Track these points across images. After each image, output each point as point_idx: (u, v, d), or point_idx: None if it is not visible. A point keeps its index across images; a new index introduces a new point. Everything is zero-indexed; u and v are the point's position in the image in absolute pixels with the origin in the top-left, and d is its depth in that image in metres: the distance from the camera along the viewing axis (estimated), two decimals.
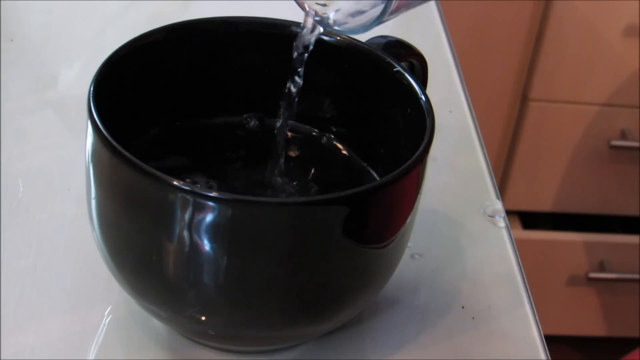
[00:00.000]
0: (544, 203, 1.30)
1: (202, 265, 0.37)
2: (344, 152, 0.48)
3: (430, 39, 0.71)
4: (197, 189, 0.36)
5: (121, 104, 0.45)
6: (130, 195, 0.38)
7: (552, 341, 0.51)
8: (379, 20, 0.39)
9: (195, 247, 0.37)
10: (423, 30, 0.73)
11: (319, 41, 0.46)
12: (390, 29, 0.74)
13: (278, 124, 0.47)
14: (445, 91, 0.65)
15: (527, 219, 1.31)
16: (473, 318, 0.48)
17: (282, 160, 0.46)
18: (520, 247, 0.53)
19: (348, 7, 0.41)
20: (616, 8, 1.14)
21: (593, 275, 1.30)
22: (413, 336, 0.46)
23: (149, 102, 0.46)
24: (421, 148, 0.40)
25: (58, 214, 0.50)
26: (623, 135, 1.23)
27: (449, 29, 0.73)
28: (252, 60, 0.47)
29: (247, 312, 0.39)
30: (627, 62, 1.18)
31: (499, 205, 0.55)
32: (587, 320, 1.35)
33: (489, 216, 0.54)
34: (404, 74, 0.44)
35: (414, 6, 0.39)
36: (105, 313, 0.45)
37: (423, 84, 0.48)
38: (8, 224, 0.49)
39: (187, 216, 0.36)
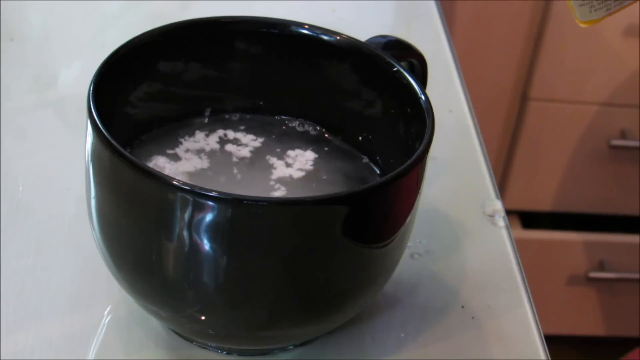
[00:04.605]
0: (544, 202, 1.29)
1: (201, 265, 0.37)
2: (344, 150, 0.48)
3: (430, 39, 0.71)
4: (197, 188, 0.36)
5: (121, 104, 0.45)
6: (130, 195, 0.38)
7: (552, 341, 0.51)
8: None
9: (195, 247, 0.37)
10: (423, 30, 0.73)
11: (319, 40, 0.47)
12: (390, 28, 0.74)
13: (277, 122, 0.47)
14: (445, 91, 0.65)
15: (526, 219, 1.31)
16: (473, 318, 0.48)
17: (281, 159, 0.46)
18: (520, 247, 0.53)
19: None
20: None
21: (593, 274, 1.30)
22: (413, 336, 0.46)
23: (148, 102, 0.46)
24: (421, 148, 0.40)
25: (58, 214, 0.50)
26: (623, 135, 1.23)
27: (449, 29, 0.73)
28: (252, 60, 0.47)
29: (246, 312, 0.39)
30: (627, 62, 1.18)
31: (498, 205, 0.55)
32: (587, 320, 1.35)
33: (489, 216, 0.54)
34: (404, 74, 0.44)
35: None
36: (105, 313, 0.45)
37: (423, 83, 0.48)
38: (8, 224, 0.49)
39: (186, 216, 0.36)
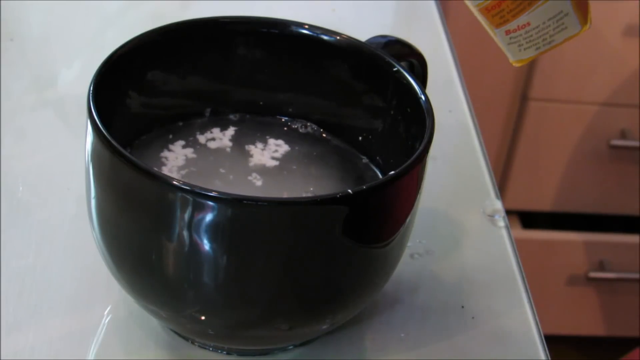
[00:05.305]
0: (544, 202, 1.29)
1: (201, 265, 0.37)
2: (344, 150, 0.48)
3: (430, 39, 0.71)
4: (197, 188, 0.36)
5: (121, 104, 0.45)
6: (130, 195, 0.38)
7: (551, 341, 0.51)
8: None
9: (194, 247, 0.37)
10: (423, 30, 0.73)
11: (319, 40, 0.47)
12: (390, 28, 0.74)
13: (277, 122, 0.47)
14: (445, 91, 0.65)
15: (526, 219, 1.31)
16: (473, 318, 0.48)
17: (282, 159, 0.46)
18: (520, 247, 0.53)
19: None
20: (616, 8, 1.14)
21: (593, 274, 1.30)
22: (413, 336, 0.46)
23: (148, 102, 0.46)
24: (421, 148, 0.40)
25: (58, 214, 0.50)
26: (623, 135, 1.23)
27: (449, 29, 0.73)
28: (252, 60, 0.47)
29: (246, 312, 0.39)
30: (627, 62, 1.18)
31: (498, 205, 0.55)
32: (587, 320, 1.35)
33: (489, 216, 0.54)
34: (404, 74, 0.44)
35: None
36: (105, 313, 0.45)
37: (423, 84, 0.48)
38: (8, 224, 0.49)
39: (186, 216, 0.36)
